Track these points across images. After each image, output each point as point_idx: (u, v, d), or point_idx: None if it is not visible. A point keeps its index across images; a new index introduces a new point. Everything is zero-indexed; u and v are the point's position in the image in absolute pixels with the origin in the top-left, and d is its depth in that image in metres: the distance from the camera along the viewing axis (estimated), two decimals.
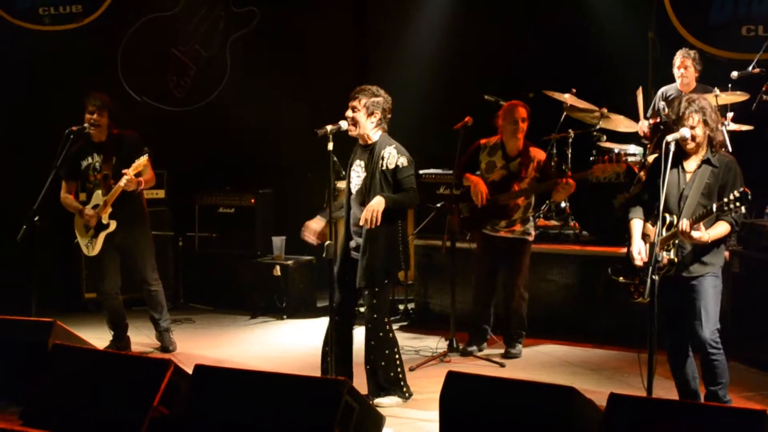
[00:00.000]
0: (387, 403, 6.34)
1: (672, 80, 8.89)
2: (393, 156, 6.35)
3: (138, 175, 7.53)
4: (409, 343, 8.10)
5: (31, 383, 5.60)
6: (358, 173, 6.48)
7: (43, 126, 9.51)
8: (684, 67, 8.70)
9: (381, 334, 6.42)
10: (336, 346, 6.41)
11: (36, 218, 6.96)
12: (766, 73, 8.43)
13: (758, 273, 7.27)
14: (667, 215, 5.58)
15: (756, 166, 7.52)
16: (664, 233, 5.56)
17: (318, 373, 6.46)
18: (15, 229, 7.05)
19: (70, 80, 10.10)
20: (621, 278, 5.89)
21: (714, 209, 5.40)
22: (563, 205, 9.30)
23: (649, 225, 5.78)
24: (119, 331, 7.90)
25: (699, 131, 5.63)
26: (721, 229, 5.57)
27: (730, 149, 7.71)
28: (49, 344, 5.77)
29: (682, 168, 5.72)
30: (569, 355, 7.83)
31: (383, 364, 6.43)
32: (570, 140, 9.30)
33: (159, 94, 10.87)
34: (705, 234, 5.47)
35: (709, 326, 5.66)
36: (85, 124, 7.57)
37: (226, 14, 10.97)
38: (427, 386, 6.70)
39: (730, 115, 8.33)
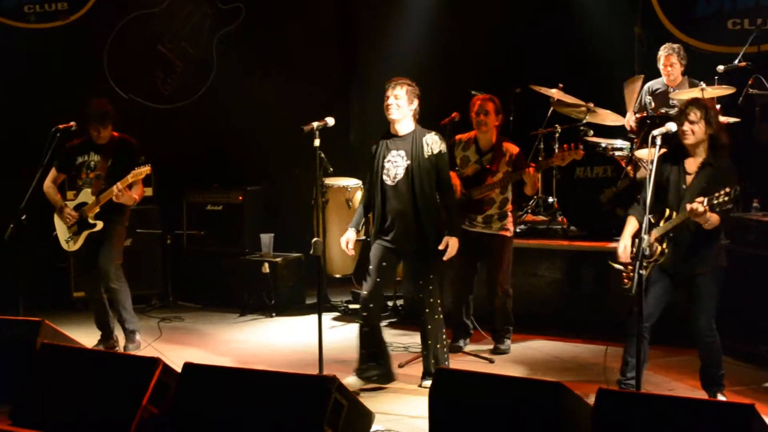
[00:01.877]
0: None
1: (659, 74, 8.90)
2: (436, 142, 6.58)
3: (130, 186, 7.51)
4: (398, 339, 8.07)
5: (19, 383, 5.59)
6: (395, 163, 6.54)
7: (29, 124, 9.46)
8: (669, 64, 8.74)
9: (436, 317, 6.67)
10: (366, 339, 6.69)
11: (23, 217, 6.93)
12: (752, 67, 8.47)
13: (745, 267, 7.28)
14: (667, 209, 5.85)
15: (743, 159, 7.54)
16: (661, 225, 5.85)
17: (308, 370, 6.45)
18: (2, 228, 7.02)
19: (56, 78, 10.06)
20: (616, 265, 6.13)
21: (705, 202, 5.55)
22: (551, 200, 9.31)
23: (650, 218, 5.89)
24: (107, 329, 7.87)
25: (698, 127, 5.80)
26: (715, 217, 5.72)
27: None
28: (37, 343, 5.76)
29: (684, 169, 5.93)
30: (558, 351, 7.84)
31: (438, 346, 6.68)
32: (557, 135, 9.31)
33: (146, 91, 10.82)
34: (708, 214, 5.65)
35: (706, 317, 5.97)
36: (72, 122, 7.52)
37: (212, 11, 10.93)
38: (417, 382, 6.73)
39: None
